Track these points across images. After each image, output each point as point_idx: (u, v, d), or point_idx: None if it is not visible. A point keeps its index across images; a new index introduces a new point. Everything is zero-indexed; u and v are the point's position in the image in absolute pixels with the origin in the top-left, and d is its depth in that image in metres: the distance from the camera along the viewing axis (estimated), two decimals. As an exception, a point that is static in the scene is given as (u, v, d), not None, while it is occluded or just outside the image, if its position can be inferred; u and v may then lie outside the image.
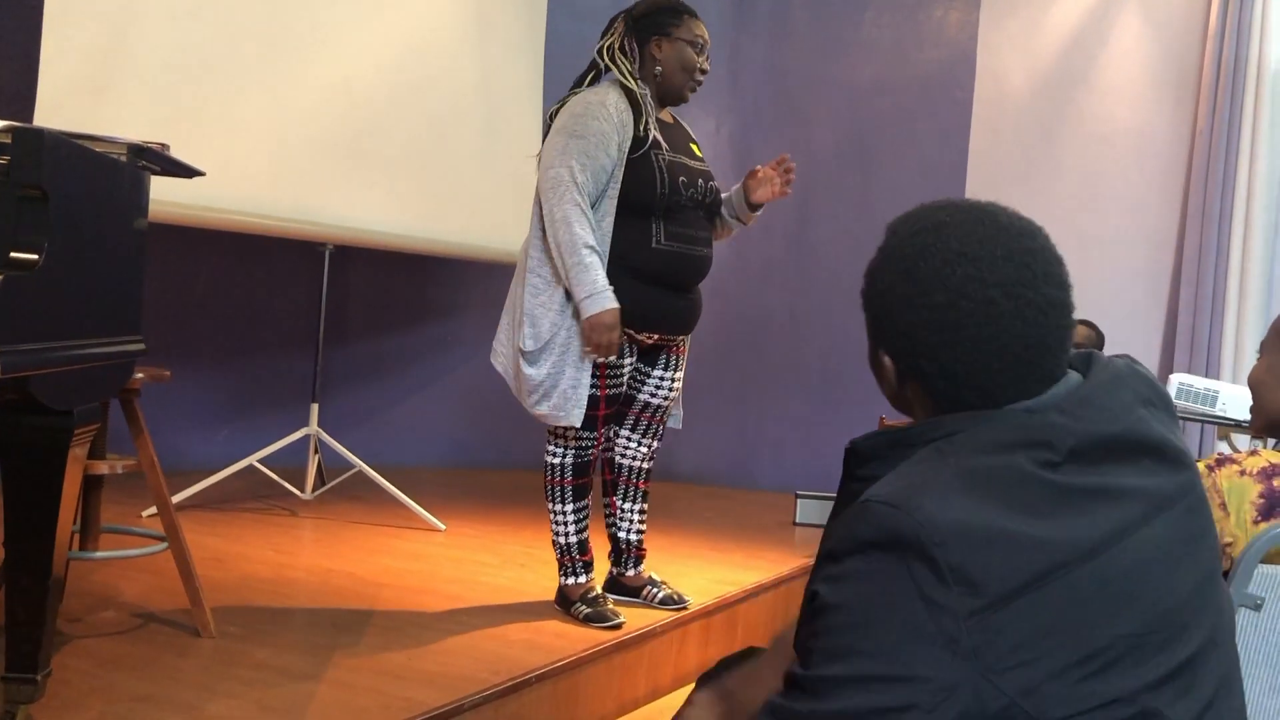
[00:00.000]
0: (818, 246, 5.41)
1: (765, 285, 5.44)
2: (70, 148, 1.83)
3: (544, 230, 2.76)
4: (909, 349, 1.06)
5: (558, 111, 2.84)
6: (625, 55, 2.85)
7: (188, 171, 2.33)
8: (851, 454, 1.08)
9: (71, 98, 3.24)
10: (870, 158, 5.35)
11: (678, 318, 2.89)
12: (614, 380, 2.85)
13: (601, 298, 2.66)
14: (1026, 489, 0.94)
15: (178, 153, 2.32)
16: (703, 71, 2.87)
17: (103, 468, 2.70)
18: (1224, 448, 3.71)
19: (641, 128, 2.76)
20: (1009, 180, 5.05)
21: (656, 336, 2.89)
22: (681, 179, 2.79)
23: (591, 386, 2.79)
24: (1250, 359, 4.42)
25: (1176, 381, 3.26)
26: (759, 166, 2.96)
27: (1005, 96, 5.11)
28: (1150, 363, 4.73)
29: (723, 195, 3.01)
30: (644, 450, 3.02)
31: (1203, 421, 3.42)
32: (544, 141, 2.83)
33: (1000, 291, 1.01)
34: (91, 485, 2.80)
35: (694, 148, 2.95)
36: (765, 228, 5.33)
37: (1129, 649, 0.92)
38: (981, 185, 5.10)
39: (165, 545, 2.63)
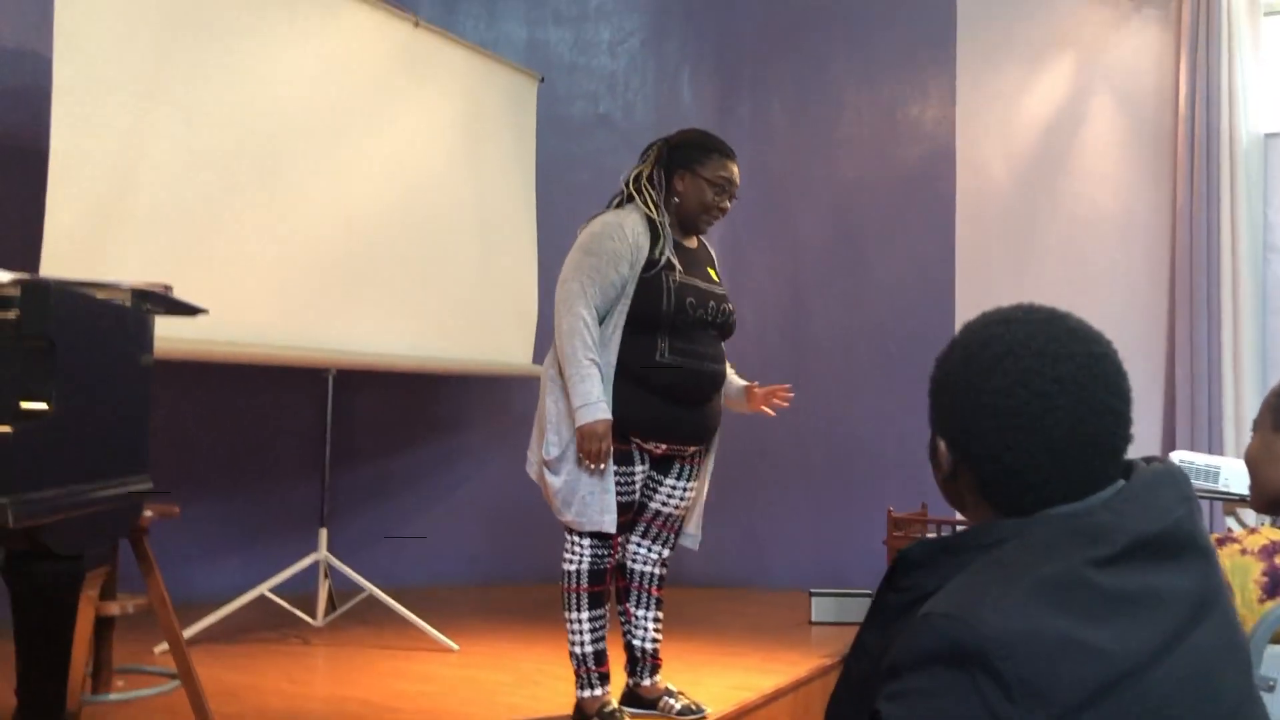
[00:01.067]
0: (812, 341, 5.47)
1: (763, 382, 5.47)
2: (75, 298, 1.89)
3: None
4: (964, 434, 1.08)
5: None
6: (651, 184, 2.97)
7: (190, 310, 2.39)
8: (899, 562, 1.08)
9: (76, 241, 3.32)
10: (858, 252, 5.44)
11: (686, 429, 2.95)
12: (625, 488, 2.89)
13: (594, 408, 2.77)
14: (1083, 594, 0.93)
15: (181, 289, 2.38)
16: (721, 210, 2.99)
17: (114, 608, 2.71)
18: (1231, 523, 3.70)
19: (657, 251, 2.88)
20: (998, 268, 5.12)
21: (664, 446, 2.94)
22: (690, 299, 2.89)
23: None
24: (1250, 431, 4.44)
25: (1177, 459, 3.26)
26: (759, 390, 3.11)
27: (987, 186, 5.22)
28: (1152, 442, 4.73)
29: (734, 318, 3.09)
30: (654, 556, 3.05)
31: (1207, 498, 3.41)
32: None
33: (1059, 387, 1.03)
34: (103, 625, 2.80)
35: (712, 271, 3.06)
36: (759, 326, 5.40)
37: None
38: (971, 274, 5.18)
39: (178, 683, 2.61)
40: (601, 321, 2.86)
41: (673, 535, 3.06)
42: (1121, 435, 1.06)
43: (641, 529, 3.02)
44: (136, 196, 3.52)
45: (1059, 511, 1.02)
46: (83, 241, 3.35)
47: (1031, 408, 1.03)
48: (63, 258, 3.24)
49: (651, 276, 2.86)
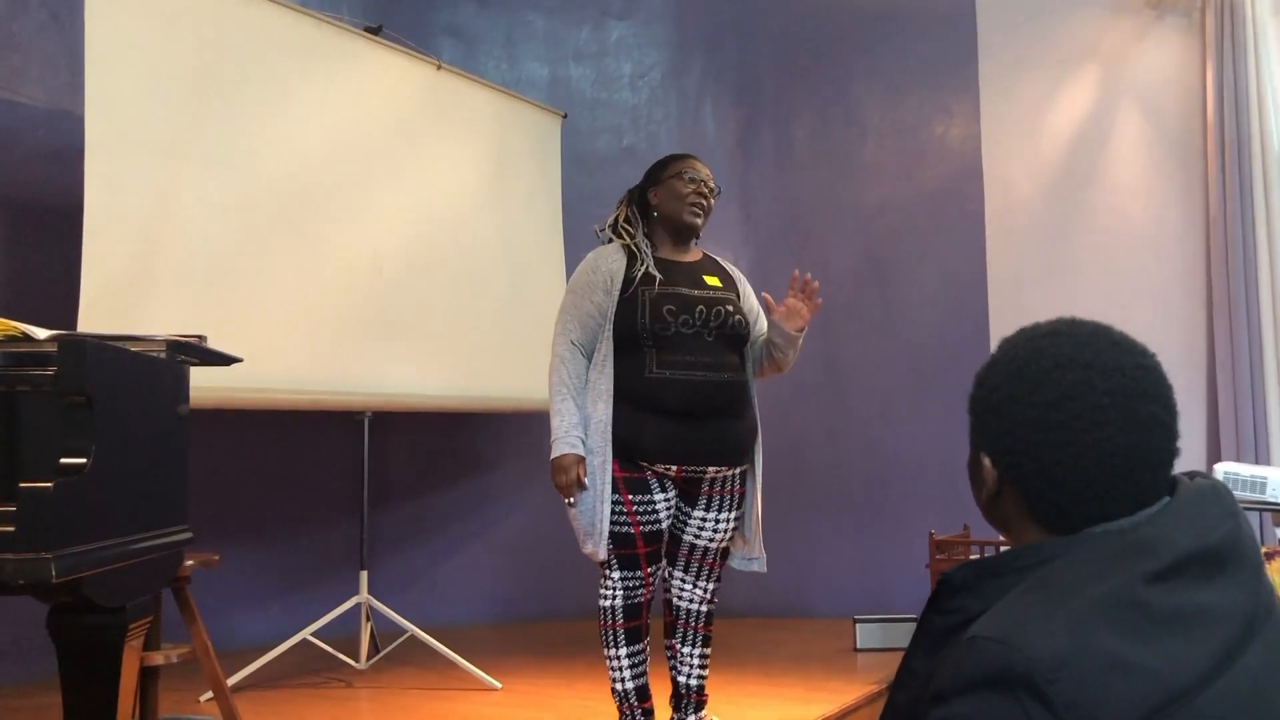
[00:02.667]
0: (847, 366, 5.44)
1: (799, 409, 5.45)
2: (112, 352, 1.91)
3: None
4: (1011, 448, 1.06)
5: None
6: (629, 223, 3.03)
7: (225, 360, 2.41)
8: (942, 585, 1.06)
9: (112, 296, 3.37)
10: (888, 275, 5.42)
11: (697, 449, 2.84)
12: (647, 517, 2.84)
13: (561, 443, 2.80)
14: (1133, 613, 0.92)
15: (215, 338, 2.41)
16: (700, 196, 2.96)
17: (158, 658, 2.72)
18: (1281, 534, 3.62)
19: (635, 268, 2.90)
20: (1030, 284, 5.08)
21: (676, 468, 2.84)
22: (668, 308, 2.82)
23: (624, 524, 2.81)
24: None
25: (1222, 470, 3.20)
26: (775, 303, 2.93)
27: (1016, 203, 5.19)
28: (1196, 454, 4.66)
29: (768, 322, 2.97)
30: (699, 593, 2.97)
31: (1255, 510, 3.35)
32: None
33: (1109, 399, 1.02)
34: (148, 676, 2.81)
35: (709, 279, 2.97)
36: (793, 353, 5.38)
37: None
38: (1003, 291, 5.14)
39: (223, 731, 2.62)
40: (595, 351, 2.88)
41: (714, 569, 2.98)
42: (1169, 449, 1.04)
43: (681, 564, 2.97)
44: (169, 249, 3.57)
45: (1104, 530, 1.01)
46: (118, 296, 3.40)
47: (1081, 421, 1.02)
48: (99, 313, 3.29)
49: (629, 295, 2.86)
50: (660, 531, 2.87)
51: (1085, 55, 5.07)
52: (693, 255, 3.04)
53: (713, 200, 3.02)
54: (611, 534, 2.80)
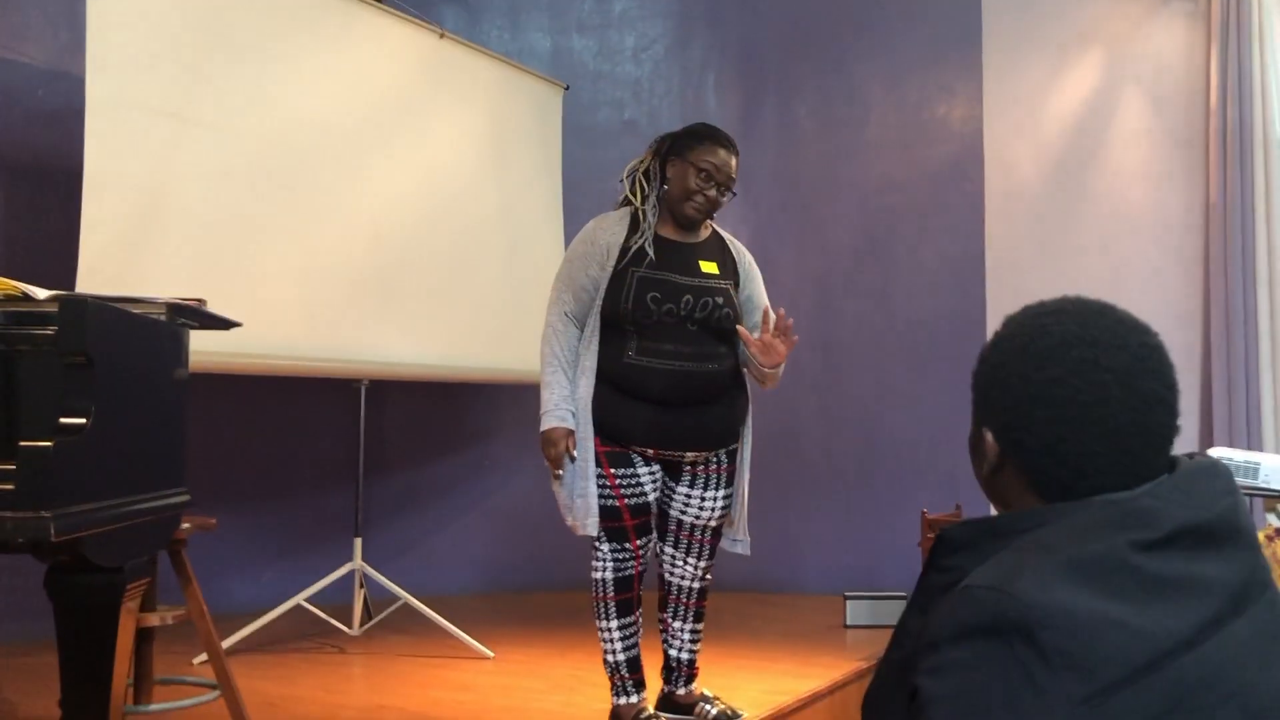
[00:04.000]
0: (843, 344, 5.44)
1: (794, 385, 5.45)
2: (112, 313, 1.91)
3: None
4: (1014, 423, 1.07)
5: None
6: (647, 177, 2.95)
7: (225, 324, 2.42)
8: (940, 542, 1.08)
9: (111, 258, 3.37)
10: (887, 254, 5.42)
11: (674, 434, 2.83)
12: (632, 490, 2.84)
13: (551, 415, 2.80)
14: (1123, 576, 0.94)
15: (214, 302, 2.41)
16: (706, 198, 2.87)
17: (154, 620, 2.74)
18: (1273, 519, 3.65)
19: (631, 242, 2.85)
20: (1028, 266, 5.09)
21: (653, 451, 2.86)
22: (652, 295, 2.78)
23: (609, 496, 2.82)
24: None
25: (1215, 455, 3.22)
26: (751, 337, 2.84)
27: (1016, 185, 5.18)
28: (1190, 438, 4.68)
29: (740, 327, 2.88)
30: (690, 570, 2.97)
31: (1248, 494, 3.37)
32: None
33: (1113, 376, 1.03)
34: (143, 637, 2.83)
35: (706, 265, 2.90)
36: (791, 330, 5.38)
37: None
38: (1001, 273, 5.15)
39: (218, 694, 2.64)
40: (586, 325, 2.87)
41: (704, 546, 2.98)
42: (1170, 425, 1.06)
43: (671, 540, 2.97)
44: (169, 213, 3.56)
45: (1104, 499, 1.02)
46: (117, 258, 3.39)
47: (1085, 397, 1.03)
48: (98, 275, 3.29)
49: (619, 271, 2.82)
50: (647, 504, 2.88)
51: (1089, 38, 5.05)
52: (697, 236, 2.96)
53: (724, 200, 2.92)
54: (576, 507, 2.81)
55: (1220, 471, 1.06)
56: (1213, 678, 0.92)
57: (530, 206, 5.07)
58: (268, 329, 3.76)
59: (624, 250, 2.85)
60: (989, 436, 1.11)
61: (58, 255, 3.52)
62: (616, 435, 2.83)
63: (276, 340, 3.83)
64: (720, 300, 2.87)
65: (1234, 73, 4.66)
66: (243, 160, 3.80)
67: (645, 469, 2.86)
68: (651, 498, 2.89)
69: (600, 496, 2.82)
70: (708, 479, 2.95)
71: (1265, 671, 0.97)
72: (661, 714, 2.97)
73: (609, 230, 2.90)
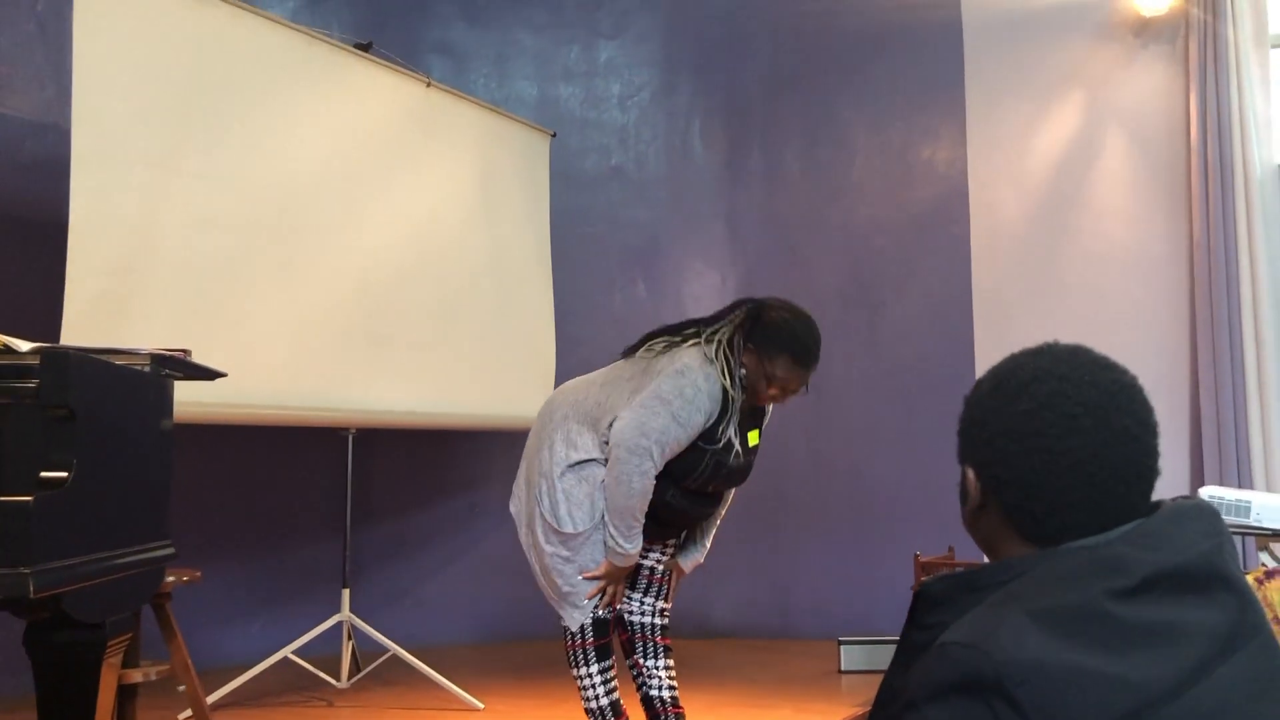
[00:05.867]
0: (831, 388, 5.43)
1: (783, 431, 5.44)
2: (95, 365, 1.90)
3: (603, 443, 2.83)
4: (990, 458, 1.08)
5: (664, 351, 2.88)
6: (731, 350, 2.84)
7: (210, 374, 2.40)
8: (919, 598, 1.08)
9: (96, 309, 3.35)
10: (874, 296, 5.43)
11: (663, 534, 2.98)
12: None
13: (631, 558, 2.81)
14: (1100, 625, 0.93)
15: (200, 352, 2.39)
16: (770, 400, 2.90)
17: (137, 676, 2.69)
18: (1265, 559, 3.64)
19: (720, 430, 2.81)
20: (1015, 306, 5.10)
21: None
22: (717, 479, 2.87)
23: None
24: (1281, 463, 4.38)
25: (1206, 494, 3.21)
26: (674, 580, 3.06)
27: (1001, 226, 5.21)
28: (1180, 478, 4.67)
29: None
30: (649, 606, 3.02)
31: (1239, 534, 3.36)
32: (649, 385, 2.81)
33: (1083, 409, 1.04)
34: (126, 694, 2.77)
35: (753, 437, 2.97)
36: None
37: None
38: (989, 314, 5.16)
39: (201, 750, 2.59)
40: None
41: (666, 586, 3.04)
42: (1145, 464, 1.06)
43: (628, 580, 2.98)
44: (154, 263, 3.55)
45: (1077, 545, 1.02)
46: (102, 309, 3.37)
47: (1056, 429, 1.04)
48: (83, 326, 3.27)
49: (700, 448, 2.79)
50: None
51: (1070, 80, 5.11)
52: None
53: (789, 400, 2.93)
54: (580, 594, 2.85)
55: (1203, 513, 1.06)
56: None
57: (519, 252, 5.08)
58: (254, 378, 3.74)
59: (710, 432, 2.80)
60: (970, 475, 1.12)
61: (42, 307, 3.50)
62: None
63: (263, 390, 3.81)
64: (749, 471, 2.97)
65: (1213, 111, 4.71)
66: (229, 210, 3.80)
67: None
68: None
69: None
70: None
71: (1263, 716, 0.95)
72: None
73: (712, 408, 2.78)
